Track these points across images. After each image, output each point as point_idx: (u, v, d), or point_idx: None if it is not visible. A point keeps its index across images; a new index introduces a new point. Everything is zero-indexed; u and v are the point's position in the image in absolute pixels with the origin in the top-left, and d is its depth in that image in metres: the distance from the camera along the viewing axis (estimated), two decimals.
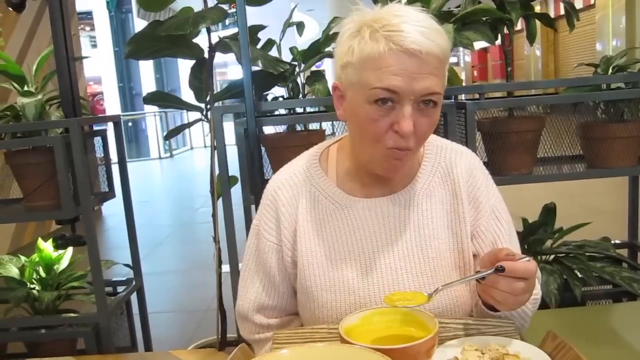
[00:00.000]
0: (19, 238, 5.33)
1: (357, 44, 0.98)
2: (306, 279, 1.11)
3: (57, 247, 2.43)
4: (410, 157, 1.04)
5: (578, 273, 2.10)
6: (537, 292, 1.12)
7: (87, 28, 13.85)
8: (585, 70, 2.31)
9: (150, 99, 2.46)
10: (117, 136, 2.52)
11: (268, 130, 2.26)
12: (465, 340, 0.96)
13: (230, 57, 2.19)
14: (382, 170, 1.04)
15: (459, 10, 2.10)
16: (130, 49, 2.23)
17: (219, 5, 2.20)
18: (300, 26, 2.38)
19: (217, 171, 2.19)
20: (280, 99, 2.32)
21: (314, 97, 2.16)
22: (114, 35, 13.72)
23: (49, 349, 2.39)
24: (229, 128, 2.11)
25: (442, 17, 2.04)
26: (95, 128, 2.48)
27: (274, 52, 2.29)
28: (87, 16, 13.40)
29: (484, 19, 2.09)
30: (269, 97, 2.32)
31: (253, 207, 2.05)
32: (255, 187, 2.03)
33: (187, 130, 12.36)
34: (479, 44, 2.21)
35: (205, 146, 13.82)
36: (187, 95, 2.51)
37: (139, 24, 12.65)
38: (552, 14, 12.61)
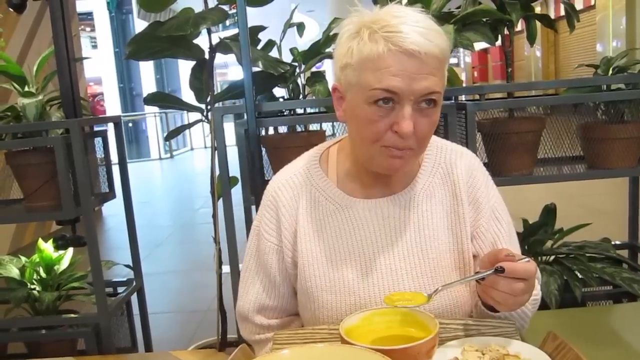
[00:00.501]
0: (19, 238, 5.33)
1: (356, 45, 0.98)
2: (306, 280, 1.11)
3: (57, 247, 2.43)
4: (412, 157, 1.03)
5: (578, 274, 2.10)
6: (537, 292, 1.12)
7: (88, 29, 13.85)
8: (586, 71, 2.31)
9: (151, 99, 2.47)
10: (117, 137, 2.52)
11: (269, 130, 2.26)
12: (465, 341, 0.96)
13: (231, 57, 2.19)
14: (382, 168, 1.04)
15: (459, 11, 2.10)
16: (131, 49, 2.24)
17: (220, 6, 2.20)
18: (300, 27, 2.39)
19: (217, 172, 2.19)
20: (280, 99, 2.33)
21: (314, 98, 2.16)
22: (114, 36, 13.72)
23: (49, 350, 2.39)
24: (230, 129, 2.11)
25: (443, 18, 2.04)
26: (96, 129, 2.48)
27: (274, 53, 2.29)
28: (87, 17, 13.41)
29: (484, 19, 2.09)
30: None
31: (253, 207, 2.05)
32: (255, 187, 2.03)
33: (187, 131, 12.39)
34: (479, 45, 2.21)
35: (205, 147, 13.83)
36: (188, 95, 2.52)
37: (139, 25, 12.66)
38: (552, 15, 12.62)
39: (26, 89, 2.20)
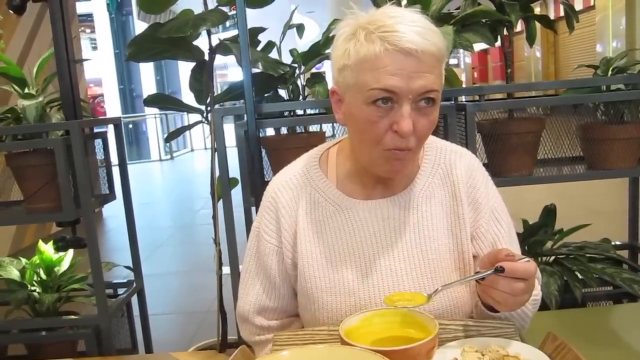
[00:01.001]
0: (19, 240, 5.33)
1: (353, 46, 0.98)
2: (306, 281, 1.11)
3: (57, 249, 2.43)
4: (411, 158, 1.03)
5: (578, 274, 2.10)
6: (538, 293, 1.12)
7: (88, 30, 13.87)
8: (585, 72, 2.31)
9: (151, 101, 2.47)
10: (117, 138, 2.52)
11: (268, 132, 2.26)
12: (465, 342, 0.97)
13: (231, 59, 2.19)
14: (383, 171, 1.04)
15: (458, 12, 2.10)
16: (131, 51, 2.24)
17: (219, 7, 2.21)
18: (300, 28, 2.39)
19: (217, 173, 2.19)
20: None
21: (314, 99, 2.17)
22: (114, 37, 13.75)
23: (49, 351, 2.39)
24: (230, 130, 2.11)
25: (442, 19, 2.04)
26: (96, 130, 2.48)
27: (274, 54, 2.29)
28: (87, 18, 13.43)
29: (483, 20, 2.10)
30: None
31: (253, 209, 2.05)
32: (255, 189, 2.03)
33: (187, 132, 12.40)
34: (479, 46, 2.22)
35: (205, 148, 13.83)
36: (188, 97, 2.52)
37: (139, 26, 12.68)
38: (552, 16, 12.60)
39: (26, 90, 2.20)
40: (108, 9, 13.63)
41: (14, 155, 2.19)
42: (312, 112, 2.34)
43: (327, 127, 2.41)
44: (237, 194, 2.10)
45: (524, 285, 0.91)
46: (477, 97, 2.16)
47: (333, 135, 2.46)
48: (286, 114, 2.23)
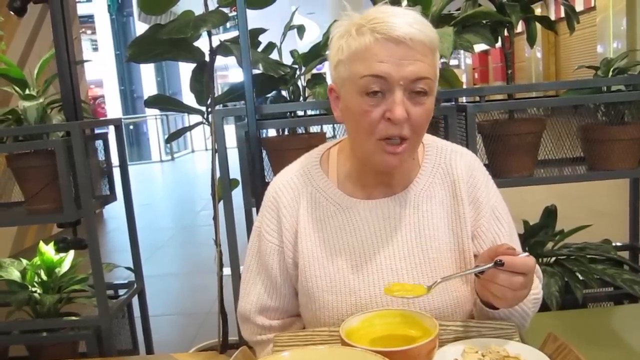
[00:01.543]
0: (20, 241, 5.34)
1: (345, 41, 1.01)
2: (307, 280, 1.11)
3: (58, 250, 2.44)
4: (407, 151, 1.03)
5: (579, 275, 2.10)
6: (539, 292, 1.12)
7: (89, 31, 13.89)
8: (586, 73, 2.31)
9: (152, 102, 2.47)
10: (118, 139, 2.52)
11: (269, 133, 2.26)
12: (465, 343, 0.97)
13: (231, 60, 2.19)
14: (378, 163, 1.04)
15: (459, 13, 2.10)
16: (132, 52, 2.24)
17: (220, 8, 2.21)
18: (301, 29, 2.39)
19: (218, 174, 2.19)
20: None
21: (314, 100, 2.17)
22: (115, 38, 13.77)
23: (50, 352, 2.39)
24: (230, 131, 2.12)
25: (443, 20, 2.04)
26: (97, 131, 2.48)
27: (274, 55, 2.30)
28: (88, 19, 13.45)
29: (484, 21, 2.10)
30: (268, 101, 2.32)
31: (254, 210, 2.05)
32: (256, 190, 2.04)
33: (188, 133, 12.39)
34: (480, 47, 2.22)
35: (206, 149, 13.84)
36: (189, 98, 2.52)
37: (140, 28, 12.68)
38: (552, 17, 12.60)
39: (27, 92, 2.20)
40: (109, 10, 13.65)
41: (15, 156, 2.20)
42: (313, 113, 2.34)
43: (327, 128, 2.41)
44: (237, 195, 2.10)
45: (523, 280, 0.92)
46: (477, 98, 2.16)
47: (334, 136, 2.46)
48: (287, 115, 2.23)
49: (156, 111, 12.40)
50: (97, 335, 2.24)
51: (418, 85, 0.98)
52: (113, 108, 13.88)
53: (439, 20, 2.00)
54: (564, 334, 0.95)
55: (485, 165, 1.82)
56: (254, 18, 2.06)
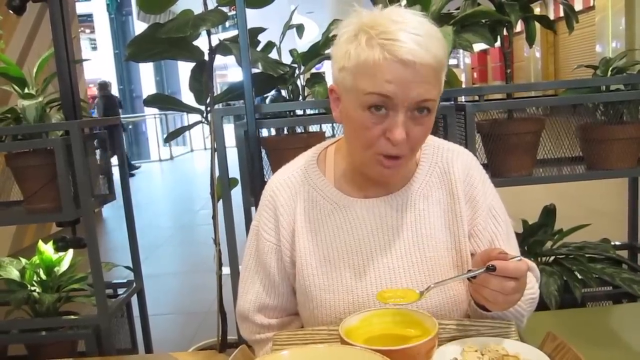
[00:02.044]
0: (19, 240, 5.33)
1: (354, 49, 0.98)
2: (305, 279, 1.11)
3: (57, 249, 2.44)
4: (403, 165, 1.04)
5: (578, 274, 2.10)
6: (535, 291, 1.12)
7: (88, 30, 13.87)
8: (585, 72, 2.31)
9: (151, 101, 2.47)
10: (117, 138, 2.52)
11: (268, 132, 2.26)
12: (464, 342, 0.97)
13: (231, 59, 2.19)
14: (373, 174, 1.05)
15: (458, 13, 2.10)
16: (131, 51, 2.24)
17: (219, 7, 2.21)
18: (300, 28, 2.39)
19: (217, 173, 2.19)
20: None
21: (313, 99, 2.17)
22: (114, 37, 13.75)
23: (49, 351, 2.39)
24: (229, 130, 2.12)
25: (442, 19, 2.04)
26: (96, 130, 2.48)
27: (274, 55, 2.29)
28: (87, 19, 13.44)
29: (483, 21, 2.10)
30: (268, 100, 2.32)
31: (253, 209, 2.05)
32: (255, 189, 2.04)
33: (187, 133, 12.39)
34: (479, 46, 2.22)
35: (205, 148, 13.83)
36: (188, 97, 2.52)
37: (139, 27, 12.68)
38: (551, 16, 12.62)
39: (26, 90, 2.20)
40: (108, 10, 13.63)
41: (14, 155, 2.20)
42: (312, 112, 2.34)
43: (326, 127, 2.41)
44: (237, 194, 2.10)
45: (514, 284, 0.92)
46: (476, 98, 2.16)
47: (333, 135, 2.45)
48: (286, 114, 2.23)
49: (155, 110, 12.39)
50: (96, 334, 2.24)
51: (421, 105, 0.98)
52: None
53: (438, 20, 2.00)
54: (562, 333, 0.96)
55: (484, 164, 1.83)
56: (253, 17, 2.06)
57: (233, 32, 2.14)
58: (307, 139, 2.19)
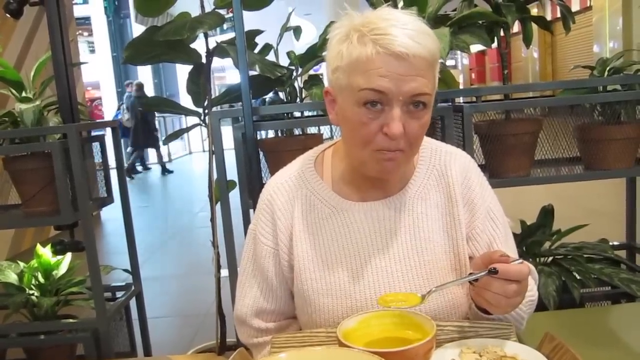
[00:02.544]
0: (17, 244, 5.32)
1: (346, 48, 0.98)
2: (303, 283, 1.11)
3: (55, 252, 2.43)
4: (404, 159, 1.03)
5: (576, 275, 2.10)
6: (534, 293, 1.12)
7: (85, 33, 13.87)
8: (582, 73, 2.32)
9: (149, 104, 2.47)
10: (115, 141, 2.52)
11: (266, 134, 2.26)
12: (462, 343, 0.97)
13: (228, 61, 2.19)
14: (374, 172, 1.04)
15: (455, 14, 2.10)
16: (128, 54, 2.24)
17: (216, 10, 2.21)
18: (297, 30, 2.39)
19: (215, 176, 2.19)
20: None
21: (311, 101, 2.17)
22: (112, 40, 13.75)
23: (48, 355, 2.39)
24: (227, 132, 2.11)
25: (438, 20, 2.04)
26: (94, 133, 2.48)
27: (271, 57, 2.30)
28: (85, 21, 13.42)
29: (480, 22, 2.10)
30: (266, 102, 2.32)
31: (251, 211, 2.05)
32: (253, 191, 2.03)
33: (185, 135, 12.39)
34: (477, 47, 2.22)
35: (203, 151, 13.82)
36: (186, 100, 2.52)
37: (137, 29, 12.68)
38: (549, 17, 12.64)
39: (23, 94, 2.20)
40: (105, 12, 13.62)
41: (12, 158, 2.19)
42: (310, 114, 2.34)
43: (324, 129, 2.41)
44: (235, 196, 2.10)
45: (517, 287, 0.91)
46: (474, 99, 2.16)
47: (331, 137, 2.46)
48: (284, 116, 2.23)
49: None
50: (95, 337, 2.24)
51: (417, 100, 0.98)
52: (110, 110, 13.84)
53: (435, 21, 2.00)
54: (561, 333, 0.96)
55: (481, 165, 1.83)
56: (251, 19, 2.06)
57: (230, 35, 2.14)
58: (304, 141, 2.19)
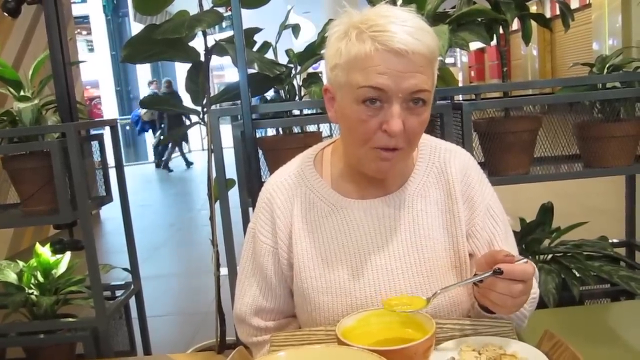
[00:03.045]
0: (16, 243, 5.32)
1: (345, 45, 0.98)
2: (302, 281, 1.11)
3: (55, 251, 2.43)
4: (401, 158, 1.03)
5: (576, 272, 2.10)
6: (535, 291, 1.11)
7: (84, 32, 13.83)
8: (582, 70, 2.31)
9: (148, 102, 2.47)
10: (114, 140, 2.52)
11: (265, 132, 2.26)
12: (462, 341, 0.97)
13: (227, 60, 2.19)
14: (371, 171, 1.04)
15: (454, 11, 2.10)
16: (127, 52, 2.23)
17: (215, 8, 2.20)
18: (296, 28, 2.39)
19: (214, 174, 2.19)
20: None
21: (310, 99, 2.16)
22: (110, 39, 13.72)
23: (47, 354, 2.39)
24: (226, 131, 2.11)
25: (438, 18, 2.04)
26: (92, 132, 2.48)
27: (270, 55, 2.29)
28: (83, 20, 13.39)
29: (479, 19, 2.10)
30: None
31: (251, 209, 2.05)
32: (252, 189, 2.03)
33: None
34: (476, 45, 2.22)
35: (202, 149, 13.81)
36: (184, 98, 2.51)
37: (135, 28, 12.65)
38: (548, 14, 12.65)
39: (22, 93, 2.19)
40: (104, 11, 13.60)
41: (10, 158, 2.19)
42: (309, 112, 2.34)
43: (324, 127, 2.40)
44: (234, 194, 2.10)
45: (522, 287, 0.91)
46: (473, 96, 2.16)
47: (330, 135, 2.45)
48: (283, 114, 2.23)
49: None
50: (95, 336, 2.24)
51: (416, 97, 0.97)
52: (109, 109, 13.83)
53: (434, 19, 2.00)
54: (560, 331, 0.95)
55: (481, 163, 1.83)
56: (249, 17, 2.06)
57: (229, 33, 2.14)
58: (304, 139, 2.19)
